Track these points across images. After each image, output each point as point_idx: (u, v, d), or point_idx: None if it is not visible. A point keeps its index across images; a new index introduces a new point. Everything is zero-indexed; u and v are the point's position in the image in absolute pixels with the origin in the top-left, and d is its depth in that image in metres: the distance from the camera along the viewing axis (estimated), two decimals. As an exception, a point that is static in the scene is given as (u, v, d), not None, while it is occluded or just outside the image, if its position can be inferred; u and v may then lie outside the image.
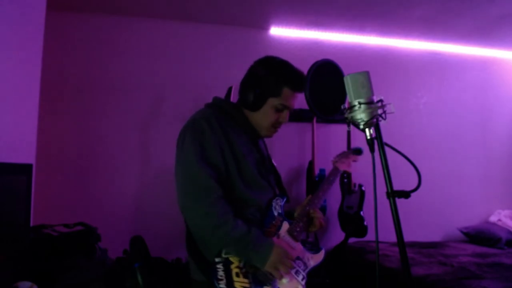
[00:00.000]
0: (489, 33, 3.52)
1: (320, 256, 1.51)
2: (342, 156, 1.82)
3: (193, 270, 1.49)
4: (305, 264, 1.46)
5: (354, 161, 1.82)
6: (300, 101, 2.96)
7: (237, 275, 1.36)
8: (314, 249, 1.53)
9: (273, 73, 1.50)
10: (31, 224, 1.94)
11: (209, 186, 1.36)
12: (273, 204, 1.54)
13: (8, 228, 1.72)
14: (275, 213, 1.52)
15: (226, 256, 1.39)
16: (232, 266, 1.37)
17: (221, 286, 1.34)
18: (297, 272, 1.43)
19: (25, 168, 1.83)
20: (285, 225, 1.51)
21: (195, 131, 1.43)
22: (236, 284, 1.35)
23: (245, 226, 1.37)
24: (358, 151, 1.84)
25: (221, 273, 1.36)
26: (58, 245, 1.84)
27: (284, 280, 1.39)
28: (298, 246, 1.48)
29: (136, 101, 3.19)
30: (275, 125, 1.55)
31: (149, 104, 3.24)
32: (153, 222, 3.09)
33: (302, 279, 1.43)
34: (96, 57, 3.14)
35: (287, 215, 1.58)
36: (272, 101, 1.50)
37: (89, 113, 3.10)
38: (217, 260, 1.38)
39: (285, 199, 1.58)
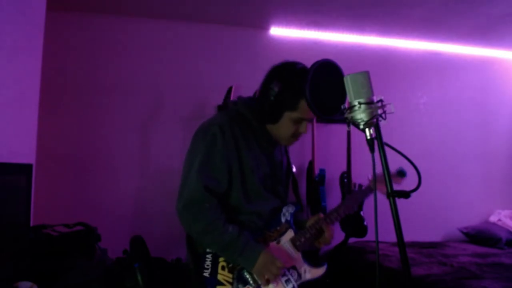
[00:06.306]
0: (489, 33, 3.52)
1: (319, 271, 1.50)
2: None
3: (188, 259, 1.55)
4: (299, 275, 1.47)
5: (397, 183, 1.52)
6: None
7: (223, 268, 1.43)
8: (316, 262, 1.52)
9: (289, 87, 1.44)
10: (31, 224, 1.95)
11: (202, 194, 1.39)
12: (283, 210, 1.56)
13: (8, 228, 1.73)
14: (283, 220, 1.54)
15: None
16: (220, 259, 1.44)
17: (204, 274, 1.41)
18: (287, 281, 1.45)
19: (25, 168, 1.84)
20: (290, 233, 1.52)
21: (207, 138, 1.43)
22: (220, 277, 1.41)
23: (235, 232, 1.41)
24: (402, 174, 1.57)
25: (208, 263, 1.43)
26: (58, 245, 1.84)
27: (271, 286, 1.42)
28: (298, 256, 1.50)
29: (136, 101, 3.19)
30: (295, 135, 1.56)
31: (149, 104, 3.24)
32: (153, 222, 3.09)
33: None
34: (96, 57, 3.14)
35: (298, 224, 1.58)
36: (289, 115, 1.47)
37: (89, 113, 3.10)
38: (208, 250, 1.45)
39: (297, 208, 1.60)
